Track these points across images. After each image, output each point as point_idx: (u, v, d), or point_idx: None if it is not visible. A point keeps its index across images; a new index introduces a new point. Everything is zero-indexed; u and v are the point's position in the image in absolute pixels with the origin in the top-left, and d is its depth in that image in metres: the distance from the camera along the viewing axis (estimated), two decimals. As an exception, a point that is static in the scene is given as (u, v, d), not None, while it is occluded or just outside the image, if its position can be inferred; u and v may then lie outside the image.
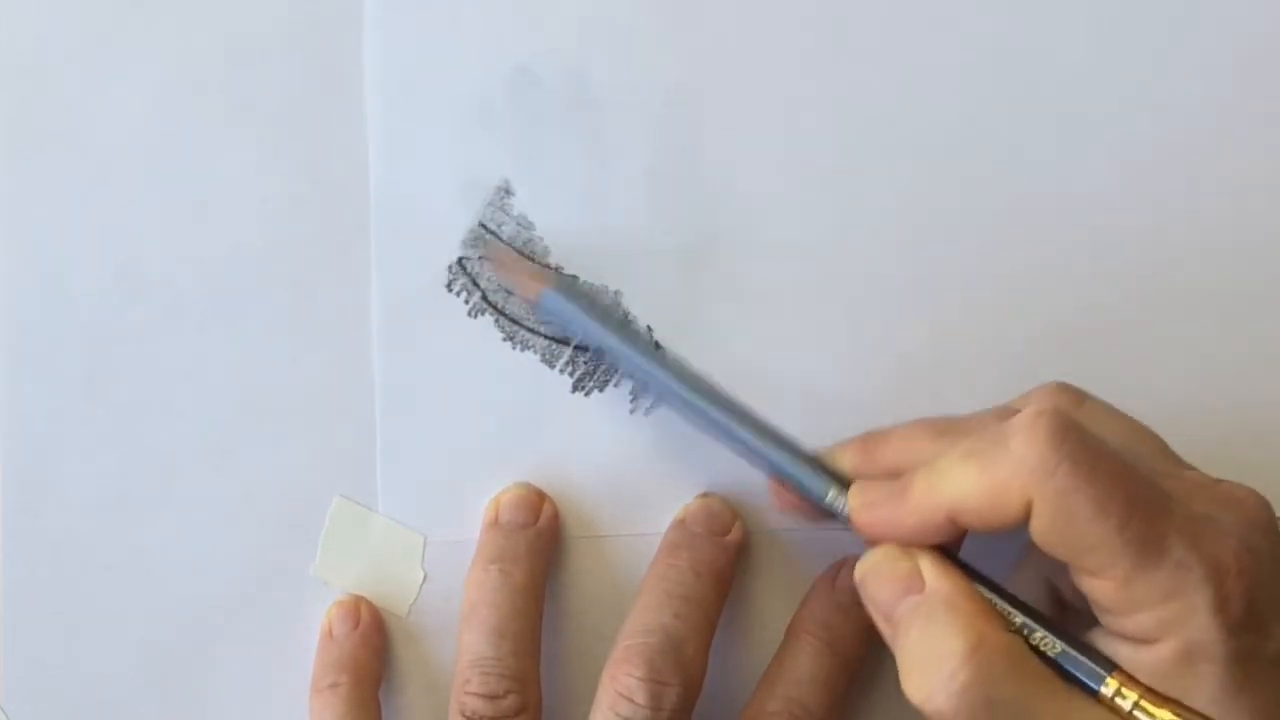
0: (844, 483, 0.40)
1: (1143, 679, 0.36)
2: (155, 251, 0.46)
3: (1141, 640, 0.35)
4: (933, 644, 0.36)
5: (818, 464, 0.41)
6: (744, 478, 0.45)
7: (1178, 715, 0.35)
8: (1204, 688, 0.35)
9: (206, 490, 0.45)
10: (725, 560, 0.44)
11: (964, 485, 0.36)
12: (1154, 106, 0.45)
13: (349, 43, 0.45)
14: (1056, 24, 0.45)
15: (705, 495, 0.45)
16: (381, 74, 0.45)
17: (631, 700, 0.41)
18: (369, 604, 0.45)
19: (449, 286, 0.46)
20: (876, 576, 0.38)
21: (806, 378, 0.44)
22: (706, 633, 0.42)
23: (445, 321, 0.45)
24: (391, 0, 0.45)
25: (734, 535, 0.44)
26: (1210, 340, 0.45)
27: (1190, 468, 0.39)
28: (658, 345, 0.43)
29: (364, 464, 0.45)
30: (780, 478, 0.41)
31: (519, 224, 0.45)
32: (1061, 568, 0.36)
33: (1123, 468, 0.35)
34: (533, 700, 0.43)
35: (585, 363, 0.45)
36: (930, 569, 0.38)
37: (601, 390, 0.45)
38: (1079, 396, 0.39)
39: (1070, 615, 0.38)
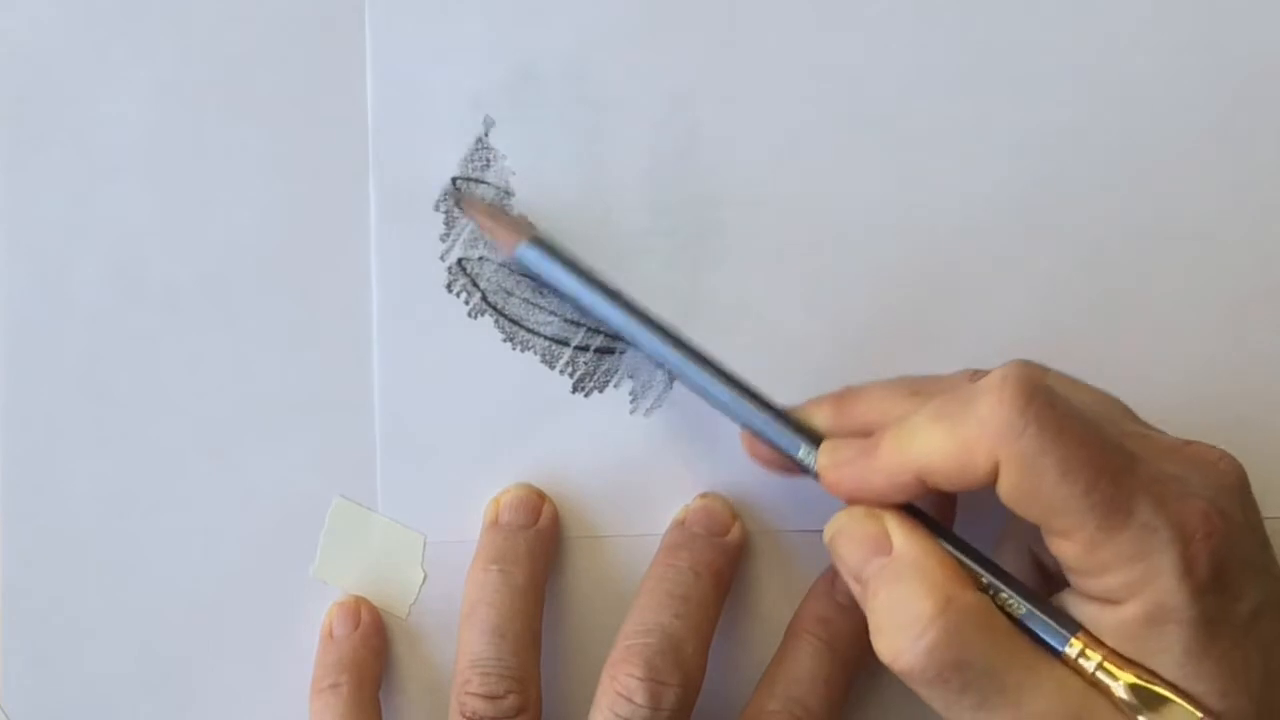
0: (816, 439, 0.40)
1: (1109, 640, 0.36)
2: (155, 251, 0.46)
3: (1108, 601, 0.36)
4: (900, 604, 0.37)
5: (790, 419, 0.41)
6: (744, 478, 0.45)
7: (1140, 678, 0.35)
8: (1169, 650, 0.35)
9: (206, 490, 0.45)
10: (725, 560, 0.44)
11: (931, 445, 0.36)
12: (1153, 90, 0.45)
13: (349, 43, 0.46)
14: (1056, 12, 0.45)
15: (705, 495, 0.45)
16: (382, 74, 0.45)
17: (631, 700, 0.41)
18: (369, 604, 0.45)
19: (449, 287, 0.46)
20: (845, 537, 0.39)
21: (807, 377, 0.44)
22: (706, 633, 0.42)
23: (445, 322, 0.45)
24: (392, 0, 0.45)
25: (734, 535, 0.44)
26: (1199, 329, 0.45)
27: (1159, 431, 0.39)
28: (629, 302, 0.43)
29: (364, 464, 0.45)
30: (752, 431, 0.41)
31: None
32: (1040, 535, 0.37)
33: (1090, 430, 0.35)
34: (533, 700, 0.43)
35: (585, 363, 0.45)
36: (898, 530, 0.38)
37: (601, 390, 0.45)
38: (1043, 369, 0.39)
39: (1055, 583, 0.38)
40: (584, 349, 0.45)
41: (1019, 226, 0.45)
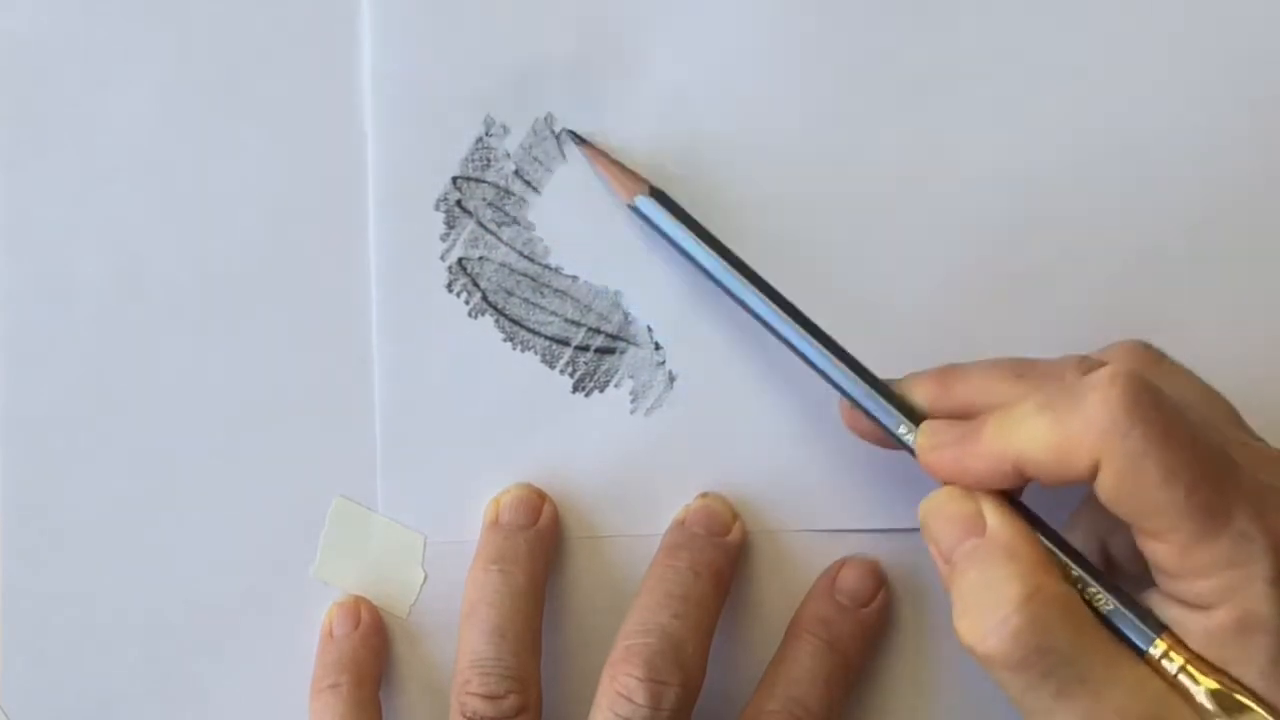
0: (915, 415, 0.40)
1: (1194, 645, 0.36)
2: (155, 251, 0.46)
3: (1197, 606, 0.36)
4: (989, 587, 0.36)
5: (891, 394, 0.40)
6: (744, 478, 0.45)
7: (1222, 684, 0.35)
8: (1254, 659, 0.35)
9: (207, 490, 0.45)
10: (725, 560, 0.44)
11: (1034, 437, 0.36)
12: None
13: (349, 43, 0.45)
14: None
15: (705, 495, 0.45)
16: (381, 74, 0.45)
17: (631, 700, 0.41)
18: (369, 604, 0.45)
19: (449, 287, 0.46)
20: (939, 516, 0.38)
21: (808, 379, 0.44)
22: (706, 633, 0.42)
23: (445, 322, 0.45)
24: (391, 0, 0.45)
25: (734, 535, 0.44)
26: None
27: (1261, 440, 0.39)
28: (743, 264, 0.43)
29: (364, 464, 0.45)
30: (853, 401, 0.41)
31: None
32: (1115, 527, 0.37)
33: (1194, 435, 0.35)
34: (533, 700, 0.43)
35: (585, 363, 0.45)
36: (993, 513, 0.38)
37: (602, 390, 0.45)
38: (1157, 356, 0.39)
39: (1119, 576, 0.39)
40: (584, 349, 0.45)
41: (1015, 222, 0.45)
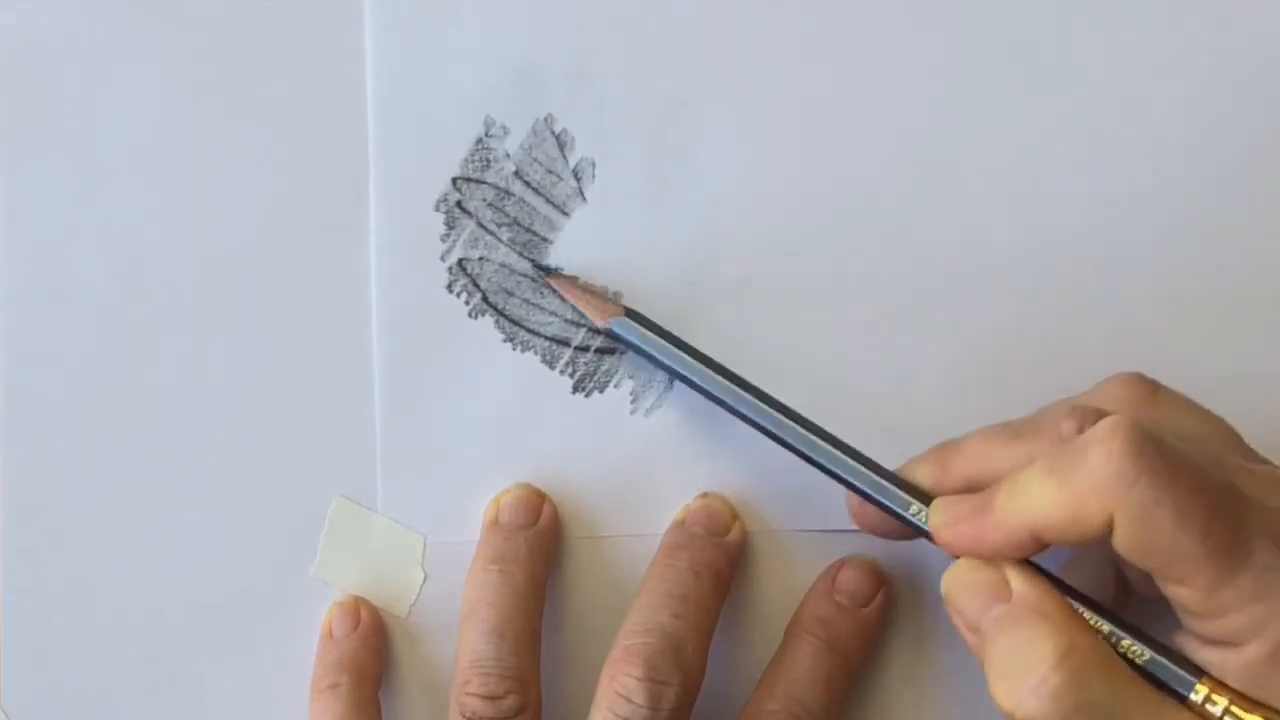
0: (924, 498, 0.40)
1: (1230, 682, 0.36)
2: (155, 251, 0.46)
3: (1228, 643, 0.36)
4: (1023, 650, 0.36)
5: (898, 480, 0.40)
6: (744, 478, 0.45)
7: (1267, 719, 0.35)
8: None
9: (206, 490, 0.45)
10: (725, 560, 0.44)
11: (1044, 502, 0.36)
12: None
13: (350, 43, 0.45)
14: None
15: (705, 495, 0.45)
16: (382, 74, 0.45)
17: (630, 700, 0.41)
18: (369, 605, 0.45)
19: (449, 287, 0.46)
20: (963, 588, 0.38)
21: (810, 374, 0.44)
22: (706, 633, 0.42)
23: (445, 322, 0.45)
24: (392, 1, 0.45)
25: (734, 535, 0.44)
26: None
27: (1266, 461, 0.39)
28: (726, 370, 0.43)
29: (364, 464, 0.45)
30: (860, 494, 0.41)
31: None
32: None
33: (1202, 475, 0.35)
34: (533, 700, 0.43)
35: (585, 363, 0.45)
36: (1017, 577, 0.38)
37: (602, 391, 0.45)
38: (1152, 387, 0.39)
39: (1134, 600, 0.39)
40: (584, 349, 0.45)
41: (1012, 222, 0.45)
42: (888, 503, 0.40)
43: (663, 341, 0.43)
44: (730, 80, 0.45)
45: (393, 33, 0.45)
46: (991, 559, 0.38)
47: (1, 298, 0.46)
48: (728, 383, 0.42)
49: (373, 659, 0.45)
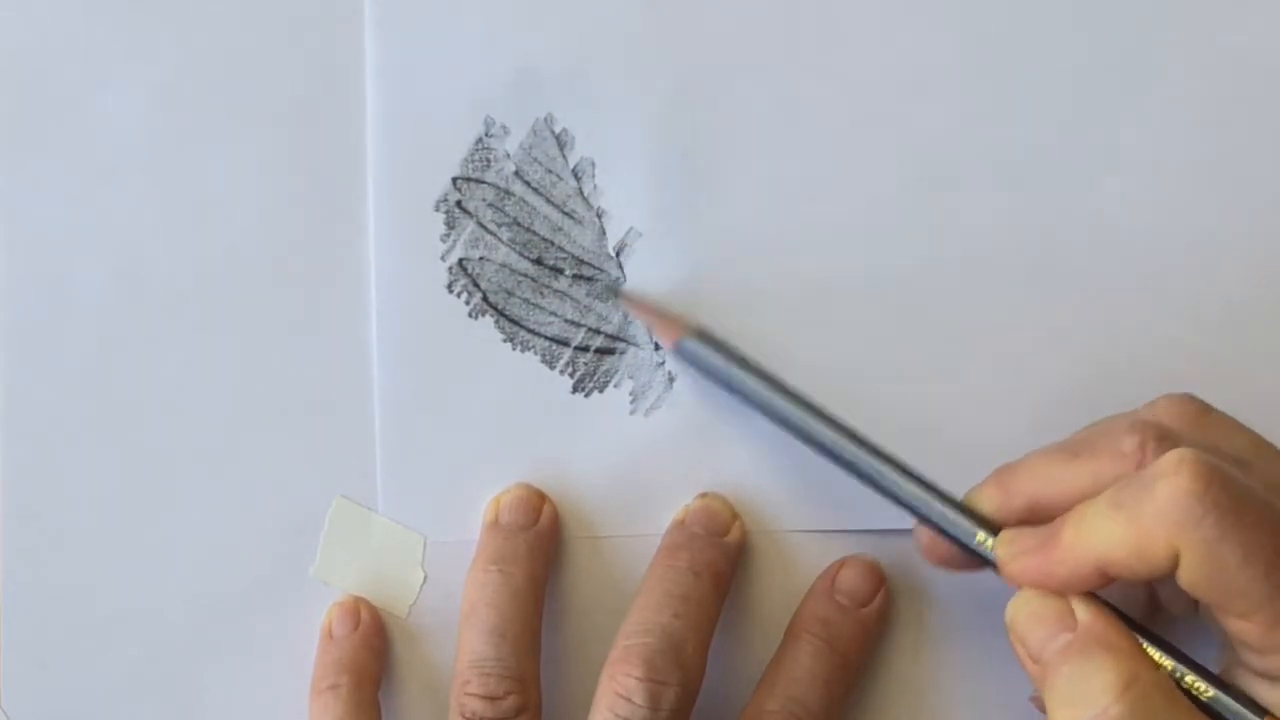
0: (989, 525, 0.40)
1: None
2: (155, 251, 0.46)
3: None
4: (1086, 680, 0.36)
5: (963, 508, 0.40)
6: (744, 478, 0.45)
7: None
8: None
9: (206, 490, 0.45)
10: (725, 560, 0.44)
11: (1111, 537, 0.36)
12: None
13: (350, 43, 0.45)
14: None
15: (705, 495, 0.45)
16: (382, 74, 0.45)
17: (630, 700, 0.41)
18: (369, 605, 0.45)
19: (449, 287, 0.46)
20: (1028, 616, 0.38)
21: (812, 375, 0.44)
22: (706, 633, 0.42)
23: (445, 322, 0.45)
24: (392, 1, 0.45)
25: (734, 535, 0.44)
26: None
27: None
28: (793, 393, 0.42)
29: (364, 464, 0.45)
30: (927, 523, 0.40)
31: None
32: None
33: (1268, 510, 0.35)
34: (533, 701, 0.43)
35: (585, 363, 0.45)
36: (1082, 607, 0.38)
37: (601, 391, 0.45)
38: (1203, 408, 0.39)
39: (1165, 619, 0.39)
40: (584, 349, 0.45)
41: (1019, 222, 0.45)
42: (955, 533, 0.40)
43: (733, 365, 0.42)
44: (730, 80, 0.45)
45: (393, 32, 0.45)
46: (1058, 591, 0.38)
47: (1, 298, 0.46)
48: (799, 408, 0.41)
49: (373, 659, 0.45)
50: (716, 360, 0.43)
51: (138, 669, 0.46)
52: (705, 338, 0.43)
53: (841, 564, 0.44)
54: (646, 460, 0.45)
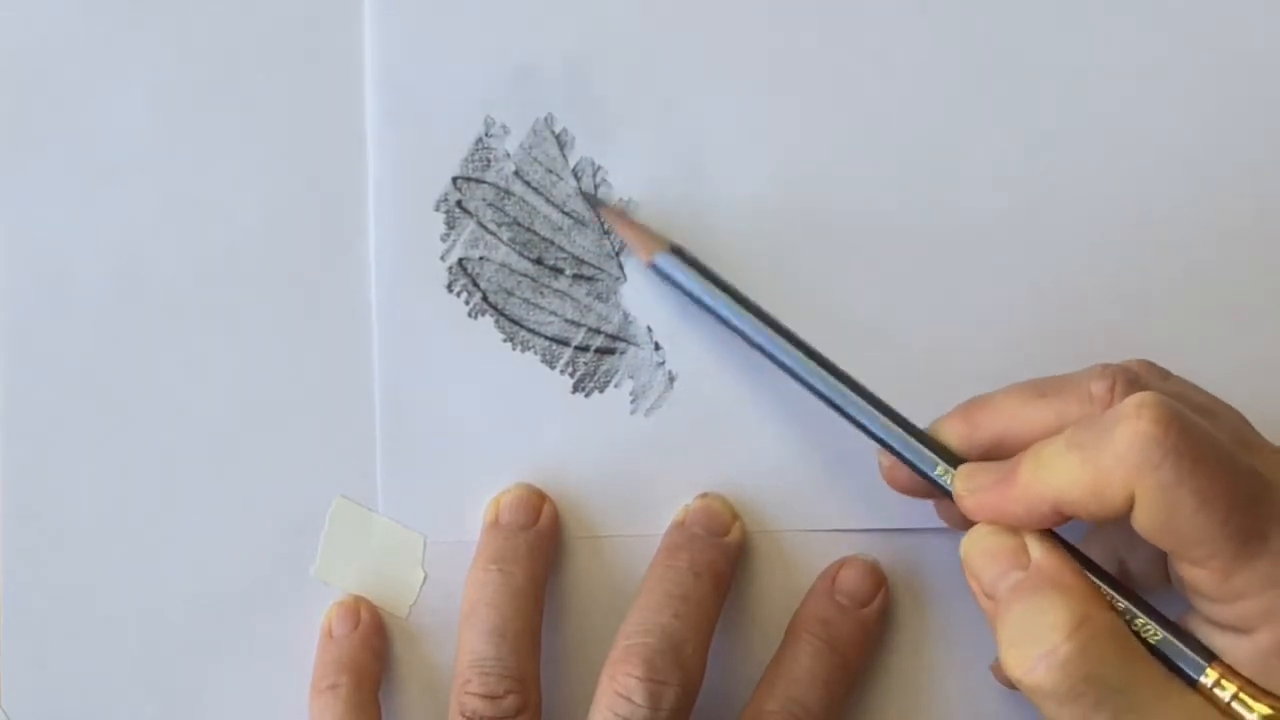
0: (951, 457, 0.40)
1: (1240, 668, 0.36)
2: (155, 251, 0.46)
3: (1240, 629, 0.36)
4: (1036, 618, 0.36)
5: (925, 438, 0.40)
6: (744, 478, 0.45)
7: (1275, 709, 0.35)
8: None
9: (206, 490, 0.45)
10: (725, 561, 0.44)
11: (1068, 476, 0.36)
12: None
13: (349, 43, 0.45)
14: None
15: (705, 495, 0.45)
16: (382, 74, 0.45)
17: (630, 700, 0.41)
18: (369, 605, 0.45)
19: (449, 287, 0.46)
20: (982, 552, 0.38)
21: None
22: (705, 633, 0.42)
23: (445, 322, 0.45)
24: (391, 0, 0.45)
25: (733, 536, 0.44)
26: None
27: (1274, 446, 0.38)
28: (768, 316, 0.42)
29: (364, 464, 0.45)
30: (889, 450, 0.41)
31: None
32: (1133, 542, 0.37)
33: (1225, 458, 0.35)
34: (533, 700, 0.43)
35: (585, 363, 0.45)
36: (1036, 545, 0.38)
37: (602, 391, 0.45)
38: (1162, 374, 0.39)
39: (1137, 589, 0.38)
40: (584, 349, 0.45)
41: (1023, 224, 0.45)
42: (915, 461, 0.40)
43: (706, 282, 0.43)
44: (730, 80, 0.45)
45: (392, 32, 0.45)
46: (1014, 527, 0.38)
47: (1, 298, 0.46)
48: (768, 329, 0.42)
49: (373, 659, 0.45)
50: (690, 276, 0.43)
51: (138, 669, 0.46)
52: (680, 254, 0.43)
53: (841, 564, 0.44)
54: (646, 460, 0.45)
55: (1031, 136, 0.45)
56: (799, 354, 0.41)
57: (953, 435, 0.40)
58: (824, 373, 0.41)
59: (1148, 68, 0.45)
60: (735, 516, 0.45)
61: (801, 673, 0.43)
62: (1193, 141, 0.45)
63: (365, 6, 0.45)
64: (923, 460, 0.40)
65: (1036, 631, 0.36)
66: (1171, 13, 0.45)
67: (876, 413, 0.41)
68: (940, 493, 0.40)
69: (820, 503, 0.45)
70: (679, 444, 0.45)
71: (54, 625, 0.45)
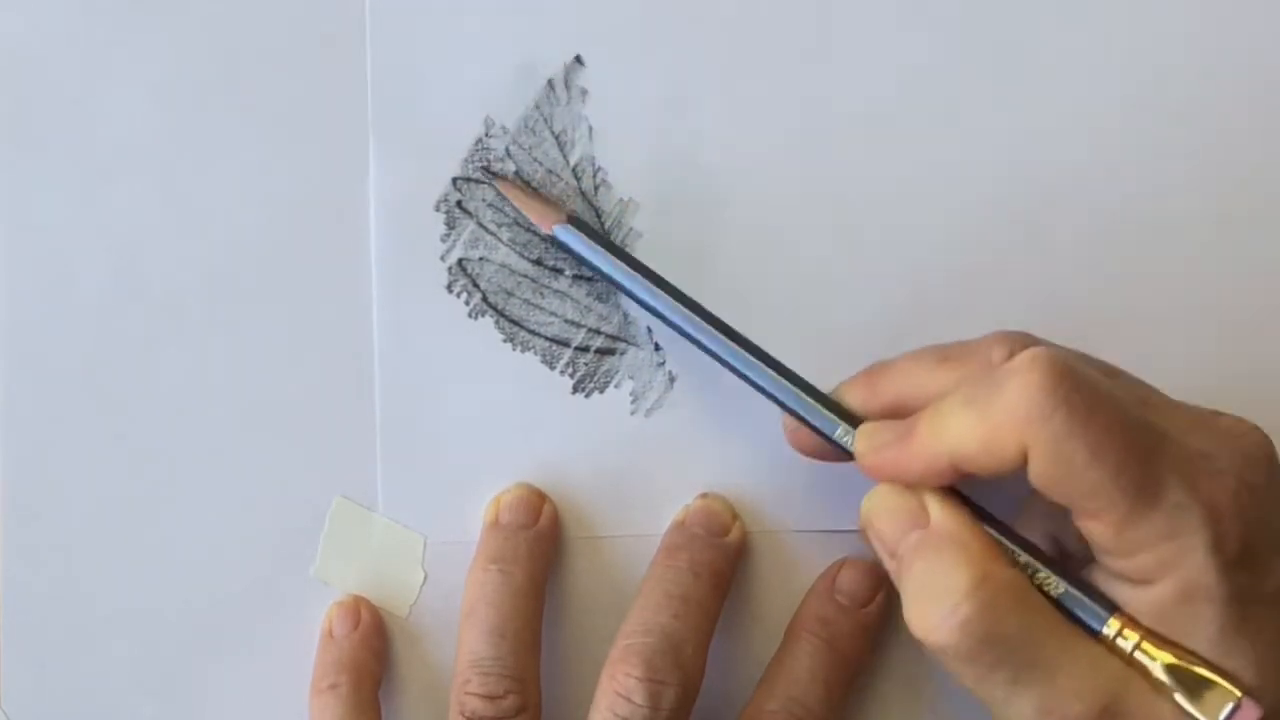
0: (853, 419, 0.40)
1: (1142, 619, 0.36)
2: (155, 251, 0.46)
3: (1140, 581, 0.36)
4: (937, 578, 0.36)
5: (827, 400, 0.41)
6: (744, 478, 0.45)
7: (1178, 658, 0.35)
8: (1203, 629, 0.35)
9: (207, 490, 0.45)
10: (724, 561, 0.44)
11: (963, 432, 0.36)
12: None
13: (350, 43, 0.46)
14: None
15: (705, 495, 0.45)
16: (382, 74, 0.45)
17: (630, 700, 0.41)
18: (369, 604, 0.45)
19: (449, 287, 0.46)
20: (882, 513, 0.38)
21: (808, 363, 0.44)
22: (705, 633, 0.42)
23: (445, 322, 0.45)
24: (392, 1, 0.45)
25: (733, 536, 0.44)
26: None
27: (1184, 405, 0.38)
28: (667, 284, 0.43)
29: (364, 464, 0.45)
30: (790, 413, 0.41)
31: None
32: (1063, 516, 0.37)
33: (1118, 410, 0.35)
34: (532, 700, 0.43)
35: (586, 364, 0.45)
36: (936, 505, 0.38)
37: (602, 391, 0.45)
38: (1063, 351, 0.39)
39: (1073, 565, 0.39)
40: (584, 350, 0.45)
41: (1019, 218, 0.45)
42: (816, 423, 0.40)
43: (603, 250, 0.43)
44: (730, 79, 0.45)
45: (393, 32, 0.45)
46: (914, 485, 0.38)
47: (1, 298, 0.46)
48: (666, 294, 0.42)
49: (373, 659, 0.45)
50: (589, 247, 0.43)
51: (138, 669, 0.46)
52: (577, 224, 0.44)
53: (842, 564, 0.44)
54: (646, 460, 0.45)
55: (1029, 135, 0.45)
56: (701, 322, 0.42)
57: (854, 398, 0.40)
58: (725, 339, 0.42)
59: (1137, 59, 0.45)
60: (735, 516, 0.45)
61: (802, 672, 0.43)
62: (1194, 142, 0.45)
63: (365, 6, 0.45)
64: (823, 422, 0.40)
65: (937, 591, 0.36)
66: (1171, 12, 0.45)
67: (777, 376, 0.41)
68: (842, 454, 0.40)
69: (820, 503, 0.45)
70: (679, 444, 0.45)
71: (54, 625, 0.45)
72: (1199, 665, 0.35)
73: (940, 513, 0.38)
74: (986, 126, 0.45)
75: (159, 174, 0.46)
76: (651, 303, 0.42)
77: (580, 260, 0.44)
